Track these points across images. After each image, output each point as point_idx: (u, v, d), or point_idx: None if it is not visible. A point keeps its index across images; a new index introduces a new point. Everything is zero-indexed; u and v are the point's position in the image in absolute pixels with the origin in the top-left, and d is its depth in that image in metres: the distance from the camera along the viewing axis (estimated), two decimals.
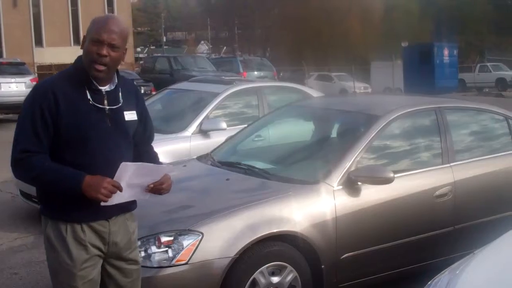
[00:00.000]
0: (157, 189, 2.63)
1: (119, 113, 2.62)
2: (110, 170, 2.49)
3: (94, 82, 2.56)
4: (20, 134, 2.52)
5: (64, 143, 2.52)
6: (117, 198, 2.51)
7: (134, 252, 2.75)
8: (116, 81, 2.66)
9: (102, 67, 2.53)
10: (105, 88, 2.61)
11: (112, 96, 2.62)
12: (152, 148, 2.91)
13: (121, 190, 2.49)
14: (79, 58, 2.62)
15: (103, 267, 2.67)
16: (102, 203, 2.49)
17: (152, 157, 2.84)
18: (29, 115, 2.50)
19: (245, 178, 4.24)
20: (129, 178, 2.52)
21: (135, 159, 2.69)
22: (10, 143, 2.57)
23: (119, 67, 2.71)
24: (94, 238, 2.59)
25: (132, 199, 2.65)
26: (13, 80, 16.65)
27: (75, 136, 2.51)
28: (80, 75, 2.56)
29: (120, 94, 2.65)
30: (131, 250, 2.72)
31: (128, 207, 2.71)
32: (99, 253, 2.62)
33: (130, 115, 2.67)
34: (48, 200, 2.60)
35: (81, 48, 2.59)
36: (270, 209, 3.69)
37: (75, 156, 2.52)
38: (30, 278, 4.73)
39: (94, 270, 2.61)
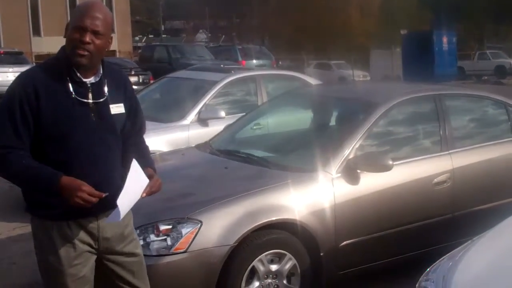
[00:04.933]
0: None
1: (104, 107, 2.48)
2: (95, 167, 2.40)
3: (78, 74, 2.42)
4: None
5: (45, 139, 2.39)
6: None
7: (130, 244, 2.65)
8: (101, 72, 2.51)
9: (85, 52, 2.38)
10: (89, 80, 2.46)
11: (96, 88, 2.47)
12: (143, 141, 2.78)
13: (99, 198, 2.34)
14: (62, 48, 2.48)
15: (102, 263, 2.59)
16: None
17: (140, 151, 2.70)
18: (8, 109, 2.36)
19: (244, 166, 4.24)
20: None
21: (123, 153, 2.59)
22: None
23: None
24: (82, 234, 2.49)
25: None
26: (10, 69, 16.61)
27: (57, 132, 2.38)
28: (62, 66, 2.43)
29: (105, 86, 2.50)
30: (125, 244, 2.63)
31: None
32: (90, 249, 2.53)
33: (117, 108, 2.52)
34: (33, 198, 2.49)
35: (64, 37, 2.45)
36: (269, 197, 3.69)
37: (58, 153, 2.39)
38: (28, 268, 4.72)
39: (85, 268, 2.52)
